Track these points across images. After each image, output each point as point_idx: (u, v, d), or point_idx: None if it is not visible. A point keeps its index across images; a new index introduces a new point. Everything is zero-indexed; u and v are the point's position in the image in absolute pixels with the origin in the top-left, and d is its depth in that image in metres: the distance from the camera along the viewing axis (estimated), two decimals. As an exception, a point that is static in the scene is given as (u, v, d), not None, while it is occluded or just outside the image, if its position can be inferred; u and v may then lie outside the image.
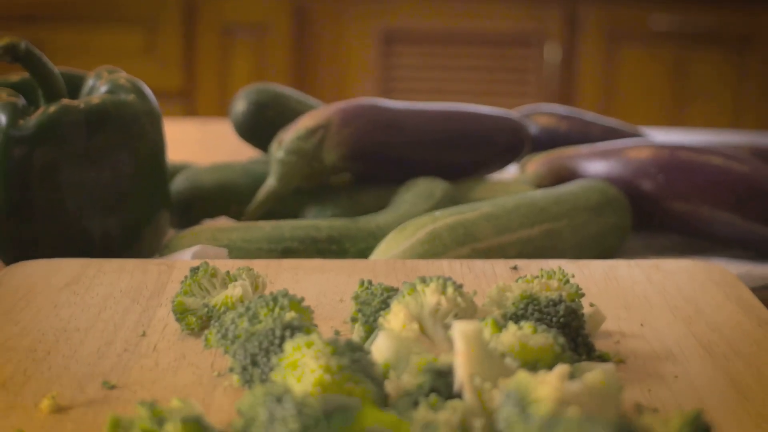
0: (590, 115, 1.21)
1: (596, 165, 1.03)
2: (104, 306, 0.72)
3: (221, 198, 1.00)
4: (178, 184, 1.02)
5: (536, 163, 1.06)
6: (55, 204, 0.88)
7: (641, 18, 2.73)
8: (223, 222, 0.94)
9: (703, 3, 2.68)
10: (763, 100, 2.75)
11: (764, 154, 1.15)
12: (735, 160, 1.01)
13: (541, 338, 0.57)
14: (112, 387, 0.60)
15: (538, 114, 1.19)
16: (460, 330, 0.52)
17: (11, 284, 0.76)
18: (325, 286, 0.75)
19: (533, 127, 1.17)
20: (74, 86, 0.94)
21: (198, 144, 1.49)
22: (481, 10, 2.73)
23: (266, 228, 0.88)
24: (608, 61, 2.76)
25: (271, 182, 0.97)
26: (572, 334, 0.61)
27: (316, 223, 0.89)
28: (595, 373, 0.50)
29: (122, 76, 0.93)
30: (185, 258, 0.85)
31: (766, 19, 2.71)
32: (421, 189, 0.97)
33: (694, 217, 1.00)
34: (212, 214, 0.99)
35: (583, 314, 0.64)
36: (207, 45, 2.72)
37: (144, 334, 0.68)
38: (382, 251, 0.85)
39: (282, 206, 0.99)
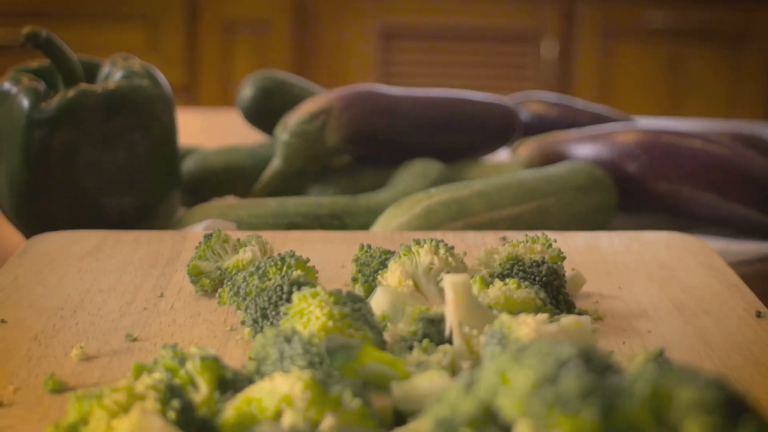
0: (579, 102, 1.27)
1: (584, 148, 1.09)
2: (124, 271, 0.78)
3: (229, 178, 1.06)
4: (187, 165, 1.08)
5: (527, 147, 1.11)
6: (73, 182, 0.94)
7: (637, 14, 2.76)
8: (230, 200, 1.00)
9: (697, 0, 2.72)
10: (757, 96, 2.78)
11: (745, 140, 1.21)
12: (715, 143, 1.06)
13: (524, 293, 0.63)
14: (134, 339, 0.66)
15: (529, 101, 1.25)
16: (449, 281, 0.58)
17: (37, 252, 0.82)
18: (327, 254, 0.81)
19: (525, 113, 1.23)
20: (91, 72, 0.99)
21: (202, 133, 1.54)
22: (479, 7, 2.77)
23: (272, 204, 0.94)
24: (605, 57, 2.79)
25: (276, 163, 1.03)
26: (553, 292, 0.67)
27: (319, 199, 0.95)
28: (570, 318, 0.56)
29: (136, 63, 0.98)
30: (197, 231, 0.91)
31: (760, 15, 2.74)
32: (417, 169, 1.03)
33: (677, 197, 1.05)
34: (220, 194, 1.05)
35: (564, 275, 0.69)
36: (209, 41, 2.76)
37: (162, 295, 0.73)
38: (381, 225, 0.90)
39: (286, 186, 1.05)
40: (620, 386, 0.40)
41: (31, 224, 0.95)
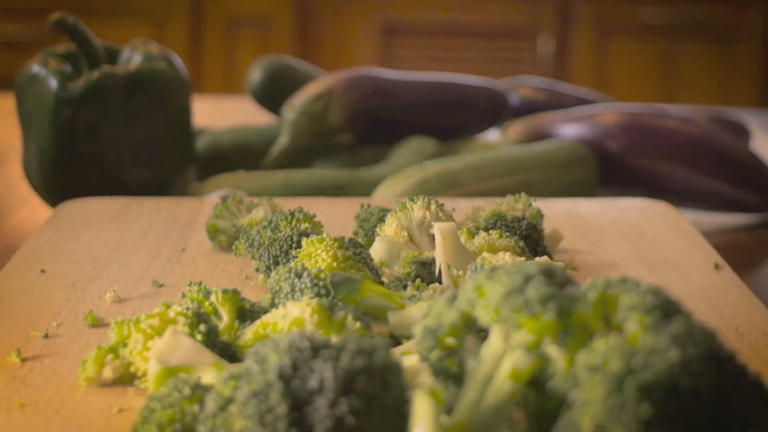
0: (565, 87, 1.35)
1: (568, 128, 1.17)
2: (147, 231, 0.86)
3: (238, 156, 1.15)
4: (200, 143, 1.16)
5: (516, 127, 1.20)
6: (97, 157, 1.02)
7: (631, 11, 2.82)
8: (241, 174, 1.08)
9: (691, -4, 2.78)
10: (748, 90, 2.84)
11: (721, 123, 1.29)
12: (690, 123, 1.15)
13: (505, 241, 0.71)
14: (161, 285, 0.75)
15: (519, 86, 1.33)
16: (438, 227, 0.66)
17: (67, 216, 0.90)
18: (331, 217, 0.90)
19: (514, 97, 1.31)
20: (112, 56, 1.08)
21: (210, 118, 1.62)
22: (477, 3, 2.83)
23: (280, 176, 1.03)
24: (600, 52, 2.84)
25: (283, 140, 1.11)
26: (532, 244, 0.76)
27: (323, 172, 1.03)
28: (544, 257, 0.64)
29: (155, 47, 1.07)
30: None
31: (751, 12, 2.78)
32: (413, 147, 1.11)
33: (654, 173, 1.13)
34: (231, 170, 1.14)
35: (542, 230, 0.78)
36: (213, 38, 2.83)
37: (183, 250, 0.82)
38: (379, 195, 0.99)
39: (293, 162, 1.13)
40: (576, 295, 0.49)
41: (58, 195, 1.03)
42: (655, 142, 1.13)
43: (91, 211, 0.91)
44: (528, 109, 1.30)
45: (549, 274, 0.50)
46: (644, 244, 0.84)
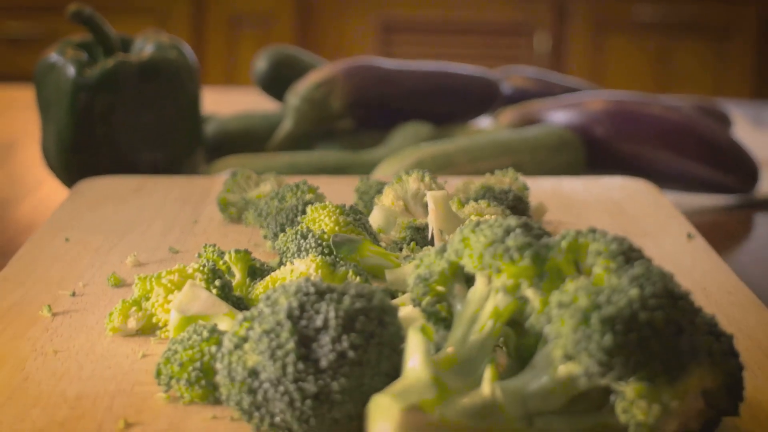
0: (554, 76, 1.42)
1: (557, 114, 1.24)
2: (162, 206, 0.93)
3: (244, 140, 1.21)
4: (208, 129, 1.23)
5: (508, 114, 1.26)
6: (111, 139, 1.08)
7: (626, 9, 2.85)
8: (247, 156, 1.14)
9: (684, -6, 2.83)
10: (740, 86, 2.88)
11: (704, 111, 1.35)
12: (673, 110, 1.21)
13: (493, 210, 0.77)
14: (176, 252, 0.81)
15: (511, 75, 1.40)
16: (431, 195, 0.73)
17: (87, 192, 0.97)
18: (332, 193, 0.96)
19: (507, 85, 1.38)
20: (126, 45, 1.14)
21: (215, 108, 1.69)
22: (475, 1, 2.87)
23: (285, 158, 1.09)
24: (595, 49, 2.88)
25: (287, 125, 1.18)
26: (518, 214, 0.82)
27: (325, 154, 1.10)
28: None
29: (166, 36, 1.13)
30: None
31: (744, 9, 2.82)
32: (410, 131, 1.17)
33: (638, 156, 1.20)
34: (237, 153, 1.20)
35: (528, 202, 0.84)
36: (215, 34, 2.88)
37: (196, 222, 0.88)
38: (378, 174, 1.05)
39: (295, 147, 1.19)
40: (550, 244, 0.55)
41: (75, 176, 1.10)
42: (639, 127, 1.19)
43: (109, 188, 0.98)
44: (519, 97, 1.36)
45: (527, 227, 0.57)
46: (623, 216, 0.91)
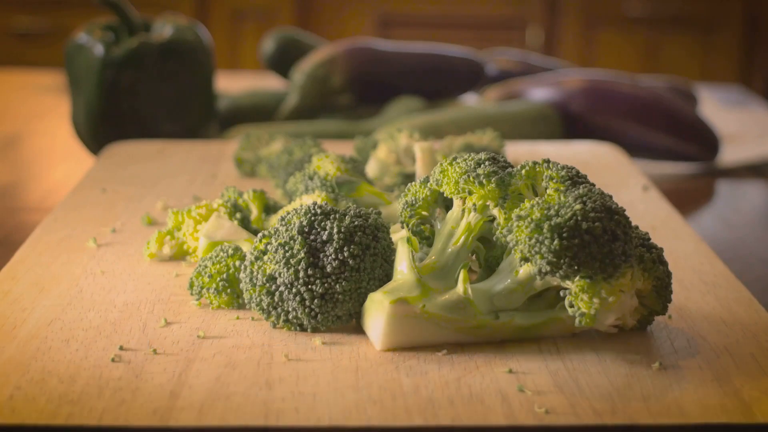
0: (535, 58, 1.54)
1: (538, 91, 1.36)
2: (184, 164, 1.06)
3: (254, 114, 1.34)
4: (221, 104, 1.35)
5: (493, 91, 1.39)
6: (135, 111, 1.21)
7: (616, 4, 2.90)
8: (256, 126, 1.27)
9: (672, -11, 2.90)
10: (727, 79, 2.96)
11: (674, 90, 1.48)
12: (643, 88, 1.34)
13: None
14: (200, 199, 0.94)
15: (496, 58, 1.53)
16: (419, 145, 0.85)
17: (116, 154, 1.09)
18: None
19: (492, 66, 1.50)
20: (147, 27, 1.27)
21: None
22: (470, -3, 2.98)
23: (290, 128, 1.22)
24: (586, 43, 2.93)
25: (292, 99, 1.31)
26: (496, 167, 0.94)
27: (327, 124, 1.23)
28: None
29: (183, 19, 1.26)
30: (234, 145, 1.18)
31: (730, 3, 2.88)
32: (403, 105, 1.30)
33: (611, 129, 1.32)
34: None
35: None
36: (218, 28, 2.96)
37: (215, 176, 1.01)
38: (375, 141, 1.18)
39: (300, 119, 1.32)
40: (512, 172, 0.68)
41: (102, 145, 1.22)
42: (611, 102, 1.32)
43: (135, 150, 1.10)
44: (503, 77, 1.49)
45: (494, 159, 0.69)
46: (587, 171, 1.02)
